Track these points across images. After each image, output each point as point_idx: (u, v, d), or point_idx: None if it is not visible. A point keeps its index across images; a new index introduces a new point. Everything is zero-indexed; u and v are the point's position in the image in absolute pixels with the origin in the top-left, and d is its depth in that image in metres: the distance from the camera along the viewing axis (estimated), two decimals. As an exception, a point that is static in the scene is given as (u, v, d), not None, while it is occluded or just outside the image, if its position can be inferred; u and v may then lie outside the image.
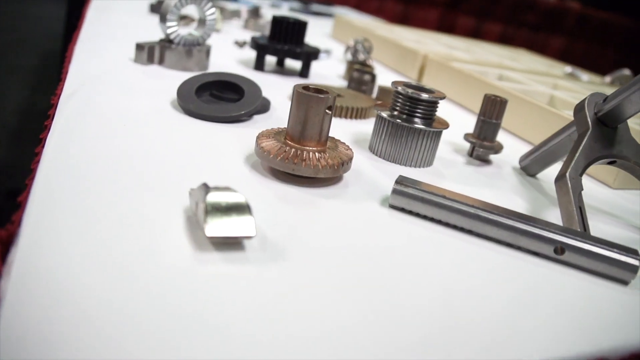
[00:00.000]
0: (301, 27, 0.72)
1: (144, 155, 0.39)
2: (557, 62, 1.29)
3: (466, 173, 0.50)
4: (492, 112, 0.52)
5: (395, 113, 0.47)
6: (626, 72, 1.05)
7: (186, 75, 0.62)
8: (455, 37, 1.33)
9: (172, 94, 0.54)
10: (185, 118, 0.49)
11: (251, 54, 0.83)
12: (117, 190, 0.33)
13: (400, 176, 0.39)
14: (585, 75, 1.06)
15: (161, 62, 0.65)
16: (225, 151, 0.43)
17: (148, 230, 0.30)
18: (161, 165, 0.38)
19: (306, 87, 0.39)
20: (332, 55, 0.96)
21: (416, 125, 0.46)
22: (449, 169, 0.50)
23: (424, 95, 0.46)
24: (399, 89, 0.47)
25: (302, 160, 0.38)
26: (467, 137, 0.54)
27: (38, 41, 2.85)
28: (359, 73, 0.70)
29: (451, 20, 2.60)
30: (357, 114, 0.58)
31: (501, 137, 0.58)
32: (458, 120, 0.68)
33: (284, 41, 0.71)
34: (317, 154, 0.39)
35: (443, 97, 0.47)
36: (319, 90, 0.40)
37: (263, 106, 0.54)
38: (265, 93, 0.62)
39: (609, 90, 0.98)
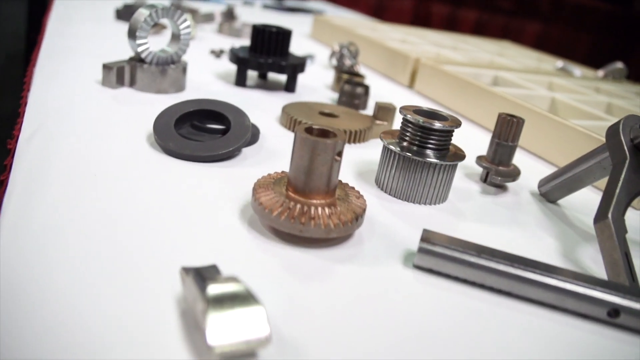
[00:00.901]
0: (285, 36, 0.65)
1: (119, 218, 0.33)
2: (545, 55, 1.25)
3: (484, 206, 0.45)
4: (507, 133, 0.47)
5: (405, 144, 0.42)
6: (619, 65, 1.01)
7: (161, 99, 0.56)
8: (439, 32, 1.28)
9: (147, 125, 0.48)
10: (165, 159, 0.42)
11: (230, 65, 0.76)
12: (87, 271, 0.27)
13: (425, 231, 0.33)
14: (577, 70, 1.02)
15: (132, 84, 0.59)
16: (216, 202, 0.37)
17: (131, 337, 0.24)
18: (141, 229, 0.32)
19: (309, 129, 0.33)
20: (315, 60, 0.90)
21: (430, 160, 0.41)
22: (464, 202, 0.45)
23: (437, 125, 0.41)
24: (409, 117, 0.41)
25: (310, 218, 0.32)
26: (480, 161, 0.49)
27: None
28: (351, 86, 0.64)
29: (426, 8, 2.55)
30: (355, 137, 0.53)
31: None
32: (458, 132, 0.62)
33: (266, 53, 0.65)
34: (326, 209, 0.33)
35: (458, 125, 0.42)
36: (324, 131, 0.34)
37: (252, 135, 0.48)
38: (250, 114, 0.56)
39: (603, 85, 0.95)
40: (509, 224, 0.42)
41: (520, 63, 1.03)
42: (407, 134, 0.42)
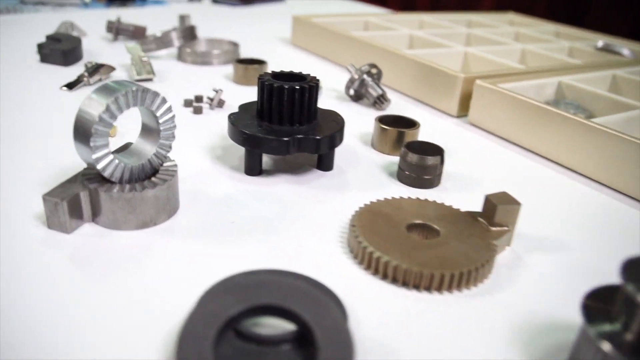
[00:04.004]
0: (312, 92, 0.44)
1: None
2: (570, 28, 1.06)
3: None
4: None
5: (630, 337, 0.23)
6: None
7: (149, 239, 0.33)
8: (431, 14, 1.07)
9: (146, 322, 0.27)
10: None
11: (222, 124, 0.54)
12: None
13: None
14: (624, 49, 0.85)
15: (96, 215, 0.36)
16: None
17: None
18: None
19: None
20: (322, 89, 0.68)
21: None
22: None
23: None
24: (651, 301, 0.22)
25: None
26: None
27: None
28: (418, 156, 0.44)
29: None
30: (477, 276, 0.33)
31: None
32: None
33: (288, 122, 0.44)
34: None
35: None
36: None
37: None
38: (291, 232, 0.35)
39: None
40: None
41: (552, 46, 0.85)
42: (636, 321, 0.23)
